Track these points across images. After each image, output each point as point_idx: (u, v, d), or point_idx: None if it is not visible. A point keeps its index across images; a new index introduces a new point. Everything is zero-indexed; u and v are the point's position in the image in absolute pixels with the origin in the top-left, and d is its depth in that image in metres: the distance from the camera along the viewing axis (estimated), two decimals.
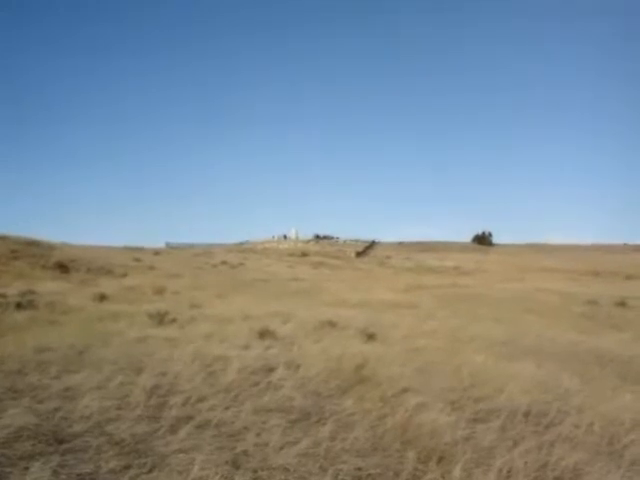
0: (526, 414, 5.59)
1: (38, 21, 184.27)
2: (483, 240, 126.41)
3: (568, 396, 6.48)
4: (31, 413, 4.86)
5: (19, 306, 13.18)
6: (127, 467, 3.83)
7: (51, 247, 36.91)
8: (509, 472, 4.00)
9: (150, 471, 3.80)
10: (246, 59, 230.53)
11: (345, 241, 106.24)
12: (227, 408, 5.32)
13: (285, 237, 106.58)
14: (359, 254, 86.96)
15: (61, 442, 4.25)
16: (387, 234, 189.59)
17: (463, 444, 4.55)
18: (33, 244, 35.60)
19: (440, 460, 4.16)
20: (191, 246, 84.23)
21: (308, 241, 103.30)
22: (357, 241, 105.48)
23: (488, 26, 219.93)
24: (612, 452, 4.66)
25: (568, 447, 4.63)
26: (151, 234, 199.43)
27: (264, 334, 10.01)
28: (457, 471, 3.89)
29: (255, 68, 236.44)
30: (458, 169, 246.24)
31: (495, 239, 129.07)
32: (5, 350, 7.55)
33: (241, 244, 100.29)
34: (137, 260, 41.81)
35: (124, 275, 30.04)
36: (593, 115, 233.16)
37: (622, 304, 24.21)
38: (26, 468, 3.70)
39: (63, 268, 28.79)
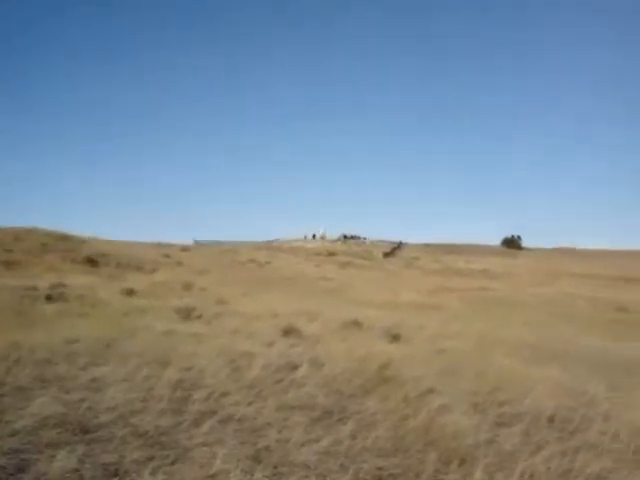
0: (550, 419, 5.54)
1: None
2: (512, 244, 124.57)
3: (594, 403, 6.39)
4: (58, 402, 4.95)
5: (49, 298, 13.43)
6: (150, 458, 3.88)
7: (81, 241, 37.37)
8: (531, 477, 3.96)
9: (173, 463, 3.84)
10: (283, 56, 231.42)
11: (372, 241, 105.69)
12: (250, 404, 5.37)
13: (314, 236, 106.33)
14: (386, 255, 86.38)
15: (86, 432, 4.32)
16: (414, 236, 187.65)
17: (485, 447, 4.51)
18: (63, 238, 36.14)
19: (462, 462, 4.13)
20: (219, 243, 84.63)
21: (335, 241, 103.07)
22: (384, 242, 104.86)
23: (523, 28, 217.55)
24: (638, 461, 4.57)
25: (593, 454, 4.56)
26: (180, 230, 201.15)
27: (289, 332, 10.05)
28: (478, 474, 3.87)
29: (292, 65, 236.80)
30: (486, 172, 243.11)
31: (524, 243, 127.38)
32: (35, 340, 7.69)
33: (269, 242, 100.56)
34: (166, 256, 42.22)
35: (153, 270, 30.34)
36: (625, 119, 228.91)
37: None
38: (52, 456, 3.77)
39: (93, 262, 29.22)
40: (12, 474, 3.52)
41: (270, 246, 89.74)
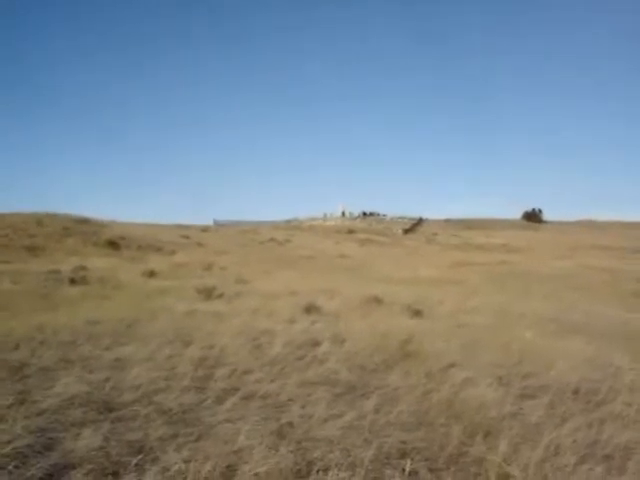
0: (575, 391, 5.47)
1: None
2: (533, 217, 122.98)
3: (619, 374, 6.30)
4: (83, 382, 5.00)
5: (72, 281, 13.59)
6: (175, 436, 3.90)
7: (101, 225, 37.65)
8: (557, 449, 3.89)
9: (197, 440, 3.86)
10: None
11: (392, 218, 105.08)
12: (272, 380, 5.37)
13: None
14: (406, 231, 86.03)
15: (111, 410, 4.36)
16: (434, 212, 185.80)
17: (510, 420, 4.47)
18: (84, 222, 36.40)
19: (486, 435, 4.09)
20: (238, 223, 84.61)
21: (355, 218, 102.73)
22: (404, 218, 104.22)
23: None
24: None
25: (619, 426, 4.50)
26: (199, 211, 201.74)
27: (310, 309, 10.05)
28: (503, 446, 3.81)
29: (316, 44, 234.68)
30: (505, 146, 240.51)
31: (545, 216, 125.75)
32: (59, 322, 7.79)
33: (288, 221, 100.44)
34: (185, 237, 42.44)
35: (173, 252, 30.51)
36: None
37: None
38: (78, 434, 3.81)
39: (114, 245, 29.45)
40: (40, 452, 3.55)
41: (289, 225, 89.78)
